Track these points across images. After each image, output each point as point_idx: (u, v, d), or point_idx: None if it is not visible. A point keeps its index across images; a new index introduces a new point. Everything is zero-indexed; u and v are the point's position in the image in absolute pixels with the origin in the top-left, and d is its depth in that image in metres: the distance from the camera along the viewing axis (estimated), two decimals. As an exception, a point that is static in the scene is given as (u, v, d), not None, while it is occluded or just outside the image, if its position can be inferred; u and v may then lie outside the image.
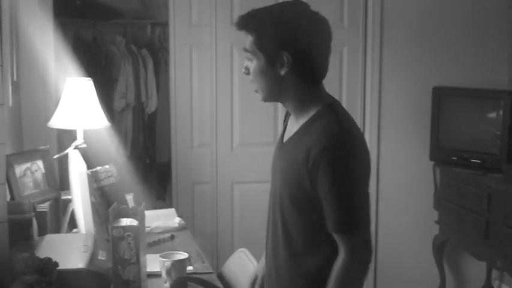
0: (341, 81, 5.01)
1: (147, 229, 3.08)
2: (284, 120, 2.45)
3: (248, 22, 2.20)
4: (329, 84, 5.02)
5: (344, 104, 4.83)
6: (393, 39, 4.98)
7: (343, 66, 5.01)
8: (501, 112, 4.57)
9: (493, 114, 4.65)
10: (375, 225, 5.11)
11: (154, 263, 2.72)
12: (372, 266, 5.03)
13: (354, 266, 2.13)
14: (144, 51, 5.66)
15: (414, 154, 5.08)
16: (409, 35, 5.01)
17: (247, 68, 2.24)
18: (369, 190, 2.19)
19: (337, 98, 4.89)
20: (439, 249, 4.95)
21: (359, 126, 2.30)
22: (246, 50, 2.22)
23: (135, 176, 3.89)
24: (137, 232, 2.59)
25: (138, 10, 5.98)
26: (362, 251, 2.14)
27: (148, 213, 2.92)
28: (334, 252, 2.15)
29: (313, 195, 2.12)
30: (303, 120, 2.22)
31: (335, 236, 2.12)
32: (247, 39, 2.20)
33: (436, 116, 4.88)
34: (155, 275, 2.72)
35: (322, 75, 2.25)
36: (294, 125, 2.27)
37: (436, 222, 4.91)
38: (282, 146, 2.31)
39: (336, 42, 4.96)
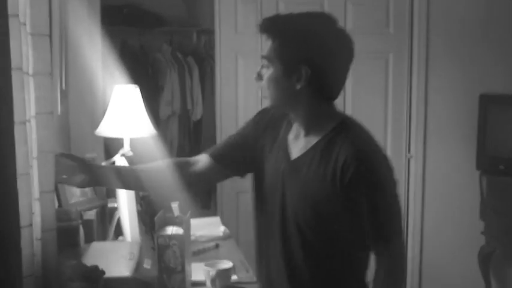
0: (387, 88, 5.00)
1: (192, 238, 3.09)
2: (261, 130, 2.38)
3: (272, 26, 2.16)
4: (374, 91, 5.05)
5: (390, 112, 4.92)
6: (439, 45, 4.94)
7: (389, 73, 5.00)
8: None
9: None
10: (420, 235, 5.07)
11: (199, 271, 2.73)
12: (416, 277, 5.00)
13: (396, 274, 2.19)
14: (190, 59, 5.68)
15: (460, 163, 5.03)
16: (455, 41, 4.97)
17: (259, 75, 2.20)
18: None
19: (382, 105, 5.01)
20: (485, 260, 4.88)
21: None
22: (263, 57, 2.17)
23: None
24: (183, 241, 2.60)
25: (184, 18, 6.01)
26: (402, 259, 2.24)
27: (194, 222, 2.93)
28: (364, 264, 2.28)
29: (344, 210, 2.13)
30: (316, 136, 2.19)
31: (376, 246, 2.18)
32: (267, 44, 2.16)
33: (483, 124, 4.82)
34: (200, 284, 2.72)
35: (338, 93, 2.22)
36: (301, 141, 2.23)
37: (482, 232, 4.85)
38: (293, 165, 2.22)
39: (382, 48, 5.05)
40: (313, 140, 2.18)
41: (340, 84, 2.21)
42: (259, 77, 2.19)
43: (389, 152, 4.96)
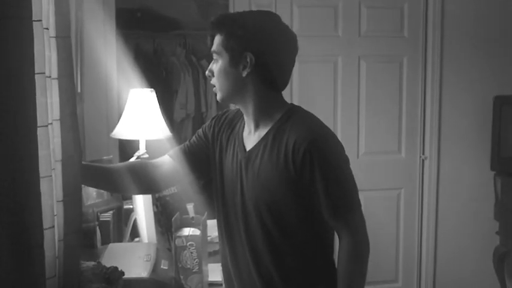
0: (401, 90, 5.00)
1: (209, 238, 3.11)
2: (216, 131, 2.44)
3: (219, 23, 2.25)
4: (389, 94, 5.06)
5: (404, 114, 4.94)
6: (453, 48, 4.94)
7: (403, 76, 5.00)
8: None
9: None
10: (434, 236, 5.08)
11: (215, 272, 2.74)
12: (431, 277, 5.00)
13: (361, 245, 2.23)
14: (204, 62, 5.71)
15: (475, 164, 5.03)
16: (470, 44, 4.97)
17: (211, 71, 2.28)
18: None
19: (397, 107, 5.02)
20: (500, 260, 4.88)
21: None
22: (213, 51, 2.26)
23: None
24: (199, 242, 2.62)
25: (198, 21, 6.03)
26: (364, 230, 2.25)
27: (210, 223, 2.95)
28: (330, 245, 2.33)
29: (300, 192, 2.20)
30: (265, 127, 2.27)
31: (336, 222, 2.23)
32: (216, 41, 2.25)
33: (498, 126, 4.81)
34: (217, 284, 2.74)
35: (284, 84, 2.31)
36: (254, 135, 2.31)
37: (497, 233, 4.84)
38: (248, 157, 2.29)
39: (396, 51, 5.06)
40: (264, 131, 2.27)
41: (285, 75, 2.29)
42: (211, 73, 2.29)
43: (403, 153, 4.99)
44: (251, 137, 2.31)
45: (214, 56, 2.26)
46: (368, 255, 2.25)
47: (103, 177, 2.46)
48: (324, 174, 2.16)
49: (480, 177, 5.00)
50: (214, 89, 2.30)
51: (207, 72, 2.31)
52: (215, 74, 2.26)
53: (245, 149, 2.31)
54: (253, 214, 2.26)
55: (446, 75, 4.97)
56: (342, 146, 2.26)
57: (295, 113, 2.27)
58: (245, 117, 2.34)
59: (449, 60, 4.96)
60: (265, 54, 2.20)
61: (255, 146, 2.27)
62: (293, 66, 2.31)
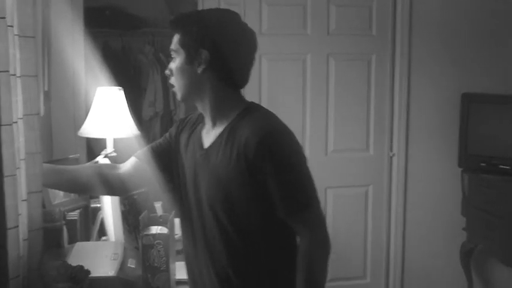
0: (369, 88, 5.03)
1: (177, 237, 3.10)
2: (178, 133, 2.46)
3: (177, 21, 2.28)
4: (357, 92, 5.09)
5: (372, 111, 4.97)
6: (421, 46, 4.98)
7: (372, 74, 5.03)
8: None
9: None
10: (402, 232, 5.11)
11: (183, 270, 2.73)
12: (399, 273, 5.03)
13: (319, 244, 2.20)
14: (173, 60, 5.69)
15: (442, 161, 5.07)
16: (438, 41, 5.00)
17: (170, 69, 2.29)
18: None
19: (365, 104, 5.05)
20: (467, 256, 4.93)
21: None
22: (171, 50, 2.27)
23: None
24: (167, 240, 2.62)
25: (166, 19, 6.00)
26: (323, 227, 2.21)
27: (177, 221, 2.94)
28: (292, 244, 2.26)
29: (255, 190, 2.16)
30: (223, 123, 2.26)
31: (292, 220, 2.19)
32: (174, 40, 2.26)
33: (465, 123, 4.86)
34: (184, 283, 2.73)
35: (243, 82, 2.30)
36: (211, 131, 2.30)
37: (464, 229, 4.89)
38: (204, 154, 2.28)
39: (365, 49, 5.10)
40: (220, 129, 2.25)
41: (243, 73, 2.28)
42: (170, 71, 2.29)
43: (372, 151, 5.01)
44: (209, 135, 2.30)
45: (173, 55, 2.27)
46: (327, 255, 2.21)
47: (68, 180, 2.46)
48: (276, 169, 2.13)
49: (447, 173, 5.04)
50: (173, 89, 2.30)
51: (166, 71, 2.32)
52: (173, 72, 2.27)
53: (202, 147, 2.30)
54: (209, 213, 2.24)
55: (414, 73, 5.01)
56: (298, 143, 2.23)
57: (252, 111, 2.26)
58: (204, 116, 2.33)
59: (417, 58, 4.99)
60: (220, 51, 2.19)
61: (212, 144, 2.26)
62: (252, 64, 2.30)
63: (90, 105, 3.61)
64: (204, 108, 2.30)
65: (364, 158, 5.09)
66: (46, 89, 3.87)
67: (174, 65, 2.26)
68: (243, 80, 2.30)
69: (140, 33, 5.83)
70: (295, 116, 4.81)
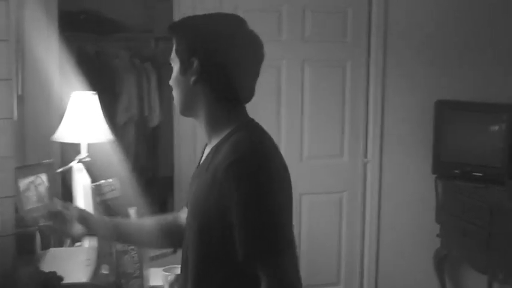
0: (344, 95, 5.04)
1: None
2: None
3: (172, 28, 2.09)
4: (332, 98, 5.09)
5: (347, 118, 4.98)
6: (396, 53, 5.00)
7: (347, 80, 5.04)
8: (504, 126, 4.60)
9: (495, 128, 4.67)
10: (376, 238, 5.13)
11: (157, 276, 2.73)
12: (373, 280, 5.04)
13: None
14: (148, 65, 5.67)
15: (417, 167, 5.09)
16: (412, 49, 5.04)
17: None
18: (289, 206, 1.96)
19: (340, 111, 5.06)
20: (440, 262, 4.97)
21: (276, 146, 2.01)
22: (170, 59, 2.09)
23: (138, 189, 3.88)
24: (140, 246, 2.60)
25: (142, 24, 6.00)
26: (289, 277, 1.88)
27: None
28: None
29: (223, 224, 1.88)
30: (215, 141, 2.01)
31: (251, 266, 1.86)
32: (173, 48, 2.08)
33: (439, 130, 4.89)
34: (158, 289, 2.73)
35: (243, 96, 2.05)
36: (207, 149, 2.08)
37: (438, 235, 4.92)
38: (193, 176, 2.11)
39: (340, 56, 5.12)
40: (213, 144, 2.03)
41: (242, 85, 2.03)
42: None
43: (346, 157, 5.02)
44: (205, 153, 2.09)
45: (172, 64, 2.08)
46: None
47: (136, 235, 2.34)
48: (238, 203, 1.84)
49: (422, 180, 5.07)
50: (174, 101, 2.10)
51: (170, 82, 2.11)
52: (171, 83, 2.08)
53: (197, 167, 2.14)
54: (188, 238, 2.04)
55: (389, 79, 5.03)
56: (276, 172, 1.92)
57: (242, 129, 1.98)
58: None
59: (392, 65, 5.01)
60: (213, 61, 1.97)
61: (200, 164, 2.10)
62: (255, 76, 2.05)
63: (65, 109, 3.59)
64: (200, 122, 2.06)
65: (339, 165, 5.10)
66: (20, 93, 3.84)
67: (172, 75, 2.08)
68: (243, 94, 2.05)
69: (116, 38, 5.80)
70: (270, 122, 4.80)
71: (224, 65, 1.98)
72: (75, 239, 2.71)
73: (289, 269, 1.87)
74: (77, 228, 2.22)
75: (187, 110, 2.07)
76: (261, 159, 1.90)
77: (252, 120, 2.07)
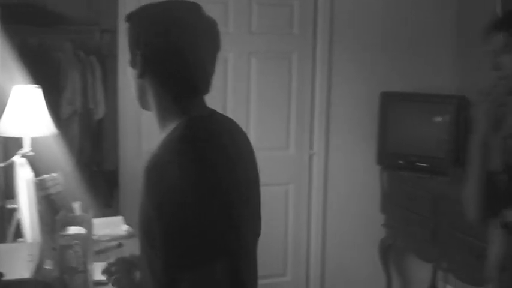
0: (290, 87, 5.06)
1: (95, 237, 3.06)
2: None
3: (127, 19, 1.95)
4: (278, 90, 5.11)
5: (293, 110, 5.00)
6: (342, 45, 5.04)
7: (293, 72, 5.06)
8: (448, 117, 4.66)
9: (439, 119, 4.73)
10: (322, 230, 5.16)
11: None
12: (319, 270, 5.08)
13: None
14: (92, 58, 5.60)
15: (362, 159, 5.14)
16: (358, 41, 5.07)
17: None
18: (219, 214, 1.74)
19: (286, 104, 5.08)
20: (385, 252, 5.03)
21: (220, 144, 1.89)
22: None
23: (82, 183, 3.85)
24: (85, 240, 2.57)
25: (87, 17, 5.92)
26: None
27: (96, 221, 2.91)
28: None
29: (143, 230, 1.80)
30: (163, 136, 1.89)
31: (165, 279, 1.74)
32: None
33: (384, 121, 4.94)
34: (103, 284, 2.69)
35: (197, 87, 1.93)
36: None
37: (383, 225, 4.97)
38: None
39: (286, 48, 5.12)
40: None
41: (195, 75, 1.90)
42: None
43: (292, 149, 5.04)
44: None
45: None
46: None
47: None
48: (152, 210, 1.73)
49: (367, 171, 5.11)
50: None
51: None
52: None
53: None
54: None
55: (335, 71, 5.06)
56: (200, 180, 1.73)
57: (185, 126, 1.85)
58: None
59: (338, 56, 5.04)
60: (157, 52, 1.86)
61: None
62: (208, 67, 1.91)
63: (6, 103, 3.53)
64: (154, 116, 1.95)
65: (285, 157, 5.12)
66: (-41, 86, 3.77)
67: None
68: (197, 86, 1.92)
69: (59, 30, 5.72)
70: (217, 114, 4.80)
71: (171, 56, 1.86)
72: None
73: (207, 283, 1.70)
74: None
75: (141, 103, 1.97)
76: (183, 165, 1.74)
77: (206, 115, 1.94)
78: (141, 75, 1.89)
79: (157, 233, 1.72)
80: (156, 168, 1.75)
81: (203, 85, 1.93)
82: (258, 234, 2.14)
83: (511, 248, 2.57)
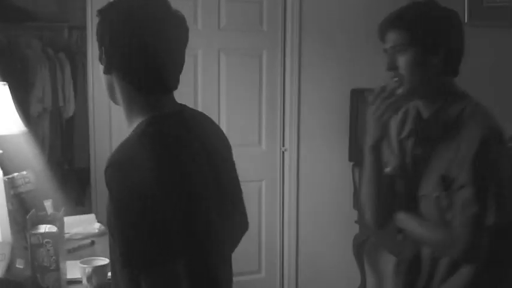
0: (261, 84, 5.06)
1: (67, 235, 3.03)
2: None
3: (97, 14, 1.92)
4: (249, 87, 5.10)
5: (264, 106, 4.99)
6: (311, 42, 5.04)
7: (263, 69, 5.06)
8: (417, 113, 4.68)
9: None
10: (295, 227, 5.16)
11: (74, 269, 2.68)
12: (293, 266, 5.09)
13: None
14: (61, 55, 5.56)
15: (334, 155, 5.15)
16: (328, 37, 5.08)
17: None
18: (174, 216, 1.73)
19: (256, 100, 5.07)
20: (359, 248, 5.04)
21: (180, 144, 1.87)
22: None
23: (54, 181, 3.82)
24: (56, 239, 2.55)
25: (55, 13, 5.88)
26: None
27: (68, 220, 2.88)
28: None
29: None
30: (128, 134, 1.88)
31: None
32: None
33: (355, 118, 4.95)
34: (76, 282, 2.68)
35: (162, 83, 1.90)
36: None
37: (356, 221, 4.99)
38: None
39: (256, 45, 5.11)
40: None
41: (159, 71, 1.86)
42: None
43: (264, 146, 5.04)
44: None
45: None
46: None
47: None
48: (111, 209, 1.75)
49: (339, 167, 5.13)
50: None
51: None
52: None
53: None
54: None
55: (305, 68, 5.06)
56: (155, 182, 1.71)
57: (140, 126, 1.84)
58: None
59: (308, 53, 5.05)
60: (114, 46, 1.84)
61: None
62: (177, 62, 1.91)
63: (-26, 101, 3.48)
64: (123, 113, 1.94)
65: (257, 153, 5.12)
66: None
67: None
68: (162, 82, 1.90)
69: (27, 27, 5.67)
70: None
71: (135, 52, 1.83)
72: None
73: (165, 284, 1.69)
74: None
75: (112, 99, 1.96)
76: (140, 163, 1.74)
77: (171, 112, 1.91)
78: (107, 71, 1.88)
79: (115, 232, 1.73)
80: (114, 166, 1.74)
81: (169, 81, 1.91)
82: (243, 230, 2.21)
83: (406, 252, 2.56)
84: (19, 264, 2.69)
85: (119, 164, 1.75)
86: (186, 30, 1.92)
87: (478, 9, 4.82)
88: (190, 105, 4.81)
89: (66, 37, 5.83)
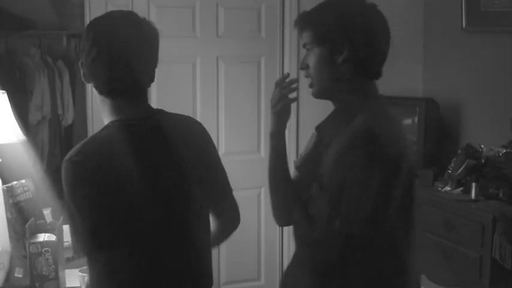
0: (259, 90, 5.07)
1: (66, 244, 3.03)
2: None
3: None
4: (248, 94, 5.10)
5: (263, 113, 4.99)
6: (310, 48, 5.04)
7: (261, 76, 5.07)
8: (416, 119, 4.69)
9: (408, 121, 4.76)
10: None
11: (73, 278, 2.68)
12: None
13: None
14: (60, 63, 5.56)
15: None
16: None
17: None
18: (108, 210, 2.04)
19: (255, 107, 5.08)
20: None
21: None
22: None
23: (53, 190, 3.81)
24: (55, 247, 2.56)
25: (53, 21, 5.87)
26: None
27: (66, 228, 2.88)
28: None
29: None
30: None
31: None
32: None
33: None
34: (74, 291, 2.68)
35: (122, 85, 2.07)
36: None
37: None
38: None
39: (254, 52, 5.12)
40: None
41: (121, 74, 2.04)
42: None
43: (263, 153, 5.03)
44: None
45: None
46: None
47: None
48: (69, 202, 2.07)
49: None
50: None
51: None
52: None
53: None
54: None
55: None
56: (89, 183, 2.04)
57: (97, 131, 2.16)
58: None
59: (306, 60, 5.05)
60: (85, 57, 2.05)
61: None
62: (134, 71, 2.05)
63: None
64: None
65: (256, 160, 5.11)
66: None
67: None
68: (120, 90, 2.07)
69: (25, 35, 5.67)
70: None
71: (96, 60, 2.02)
72: None
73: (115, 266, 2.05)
74: None
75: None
76: (71, 165, 2.06)
77: (132, 118, 2.07)
78: (83, 79, 2.10)
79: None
80: (62, 163, 2.08)
81: (131, 87, 2.06)
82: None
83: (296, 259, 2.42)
84: (18, 273, 2.69)
85: (65, 161, 2.07)
86: (146, 39, 2.12)
87: (475, 14, 4.81)
88: (189, 112, 4.81)
89: (64, 45, 5.83)
